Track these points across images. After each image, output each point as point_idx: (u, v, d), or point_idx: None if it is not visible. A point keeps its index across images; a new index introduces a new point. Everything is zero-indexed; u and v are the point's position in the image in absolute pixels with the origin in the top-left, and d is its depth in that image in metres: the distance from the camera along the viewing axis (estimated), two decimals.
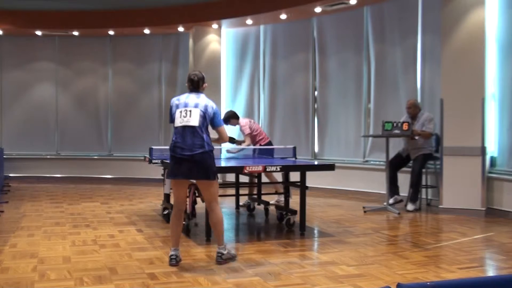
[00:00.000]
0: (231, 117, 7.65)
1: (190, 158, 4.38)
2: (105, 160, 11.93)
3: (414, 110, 7.65)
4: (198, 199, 6.11)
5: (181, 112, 4.45)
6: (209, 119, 4.49)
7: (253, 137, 7.63)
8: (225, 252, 4.53)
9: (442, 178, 7.24)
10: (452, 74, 7.19)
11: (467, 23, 7.05)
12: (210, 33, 10.90)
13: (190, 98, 4.52)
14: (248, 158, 7.48)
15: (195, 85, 4.58)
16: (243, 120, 7.67)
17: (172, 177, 4.54)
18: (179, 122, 4.44)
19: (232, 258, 4.60)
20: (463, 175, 7.06)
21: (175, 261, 4.45)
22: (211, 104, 4.53)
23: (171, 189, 6.76)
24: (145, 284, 3.94)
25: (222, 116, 7.60)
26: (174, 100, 4.57)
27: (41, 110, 12.05)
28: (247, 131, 7.52)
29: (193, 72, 4.68)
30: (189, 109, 4.44)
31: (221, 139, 4.65)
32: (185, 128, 4.41)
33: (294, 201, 6.36)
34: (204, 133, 4.45)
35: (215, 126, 4.56)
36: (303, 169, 5.93)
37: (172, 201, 6.80)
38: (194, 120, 4.41)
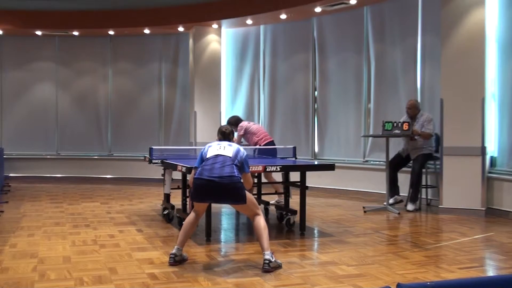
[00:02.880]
0: (233, 124, 7.71)
1: (219, 181, 4.37)
2: (105, 160, 11.93)
3: (414, 111, 7.65)
4: None
5: (214, 147, 4.60)
6: (239, 162, 4.52)
7: (247, 137, 7.78)
8: (273, 260, 4.29)
9: (442, 178, 7.24)
10: (452, 74, 7.19)
11: (467, 23, 7.05)
12: (210, 33, 10.89)
13: (223, 142, 4.69)
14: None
15: (226, 137, 4.79)
16: (243, 123, 7.91)
17: (198, 201, 4.53)
18: (211, 153, 4.54)
19: (279, 266, 4.34)
20: (463, 175, 7.06)
21: (173, 260, 4.44)
22: (243, 150, 4.64)
23: (171, 189, 6.79)
24: (145, 284, 3.94)
25: (227, 120, 8.07)
26: (206, 146, 4.70)
27: (41, 110, 12.04)
28: (240, 132, 7.73)
29: (224, 126, 4.93)
30: (224, 145, 4.60)
31: (246, 183, 4.59)
32: (218, 156, 4.50)
33: (294, 201, 6.36)
34: (235, 165, 4.48)
35: (242, 171, 4.56)
36: (303, 169, 5.93)
37: (171, 201, 6.83)
38: (228, 152, 4.53)
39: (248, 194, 4.51)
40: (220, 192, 4.41)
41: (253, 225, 4.55)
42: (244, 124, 7.86)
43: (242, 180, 4.50)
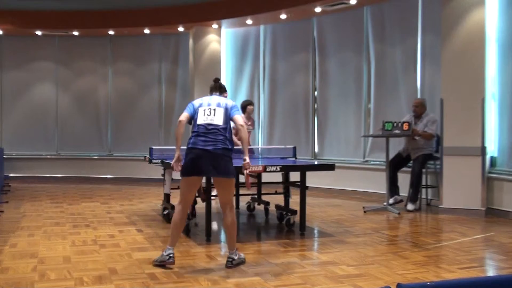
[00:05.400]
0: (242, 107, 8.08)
1: (213, 151, 4.33)
2: (105, 160, 11.93)
3: (421, 109, 7.65)
4: (198, 199, 6.11)
5: (204, 110, 4.47)
6: (229, 114, 4.48)
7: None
8: (236, 258, 4.44)
9: (442, 178, 7.24)
10: (452, 74, 7.19)
11: (467, 23, 7.05)
12: (210, 33, 10.90)
13: (213, 99, 4.57)
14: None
15: (217, 90, 4.68)
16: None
17: (190, 175, 4.41)
18: (202, 120, 4.44)
19: (242, 262, 4.50)
20: (463, 175, 7.06)
21: (173, 259, 4.39)
22: (231, 104, 4.55)
23: (171, 189, 6.78)
24: (145, 284, 3.94)
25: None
26: (197, 101, 4.59)
27: (41, 110, 12.05)
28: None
29: (215, 78, 4.82)
30: (213, 107, 4.48)
31: (237, 127, 4.45)
32: (209, 125, 4.42)
33: (294, 201, 6.36)
34: (227, 132, 4.46)
35: (231, 116, 4.49)
36: (303, 169, 5.93)
37: (171, 201, 6.82)
38: (218, 119, 4.43)
39: (233, 181, 4.55)
40: (213, 163, 4.33)
41: (224, 218, 4.49)
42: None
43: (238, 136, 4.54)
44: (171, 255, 4.39)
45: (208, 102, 4.52)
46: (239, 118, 4.49)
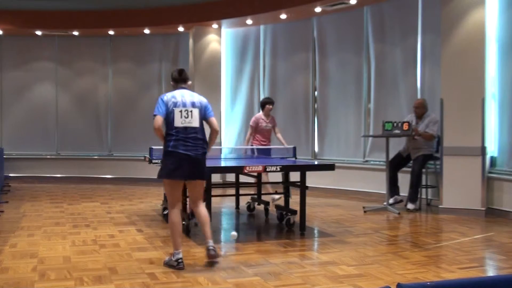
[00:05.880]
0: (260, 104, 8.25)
1: (194, 157, 4.46)
2: (105, 160, 11.93)
3: (421, 110, 7.65)
4: None
5: (181, 112, 4.48)
6: (203, 113, 4.60)
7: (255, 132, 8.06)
8: (213, 243, 4.53)
9: (442, 178, 7.24)
10: (452, 74, 7.19)
11: (467, 23, 7.05)
12: (210, 33, 10.90)
13: (185, 97, 4.56)
14: (247, 158, 7.49)
15: (184, 77, 4.69)
16: (258, 114, 8.23)
17: (173, 178, 4.49)
18: (180, 122, 4.47)
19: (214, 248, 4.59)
20: (463, 175, 7.06)
21: (183, 264, 4.39)
22: (204, 100, 4.67)
23: None
24: (145, 284, 3.94)
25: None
26: (170, 98, 4.52)
27: (41, 110, 12.04)
28: (252, 124, 8.08)
29: (177, 68, 4.81)
30: (189, 109, 4.51)
31: (213, 130, 4.63)
32: (187, 128, 4.48)
33: (294, 201, 6.36)
34: (203, 133, 4.59)
35: (207, 117, 4.63)
36: (303, 169, 5.93)
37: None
38: (195, 121, 4.52)
39: None
40: (194, 167, 4.48)
41: (197, 212, 4.65)
42: (256, 116, 8.09)
43: (211, 135, 4.63)
44: (179, 260, 4.39)
45: (182, 101, 4.51)
46: (214, 121, 4.66)
